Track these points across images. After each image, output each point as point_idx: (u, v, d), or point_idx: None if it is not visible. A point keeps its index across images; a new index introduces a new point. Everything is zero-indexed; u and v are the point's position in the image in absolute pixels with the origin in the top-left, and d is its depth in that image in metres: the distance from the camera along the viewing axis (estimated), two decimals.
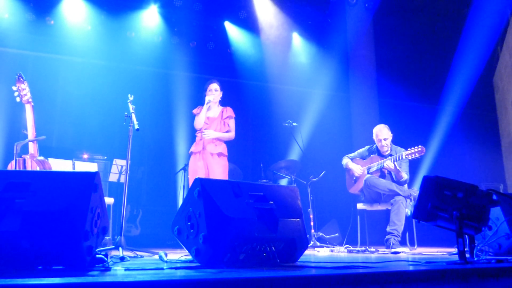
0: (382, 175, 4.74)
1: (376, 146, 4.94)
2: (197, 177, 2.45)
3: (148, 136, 7.49)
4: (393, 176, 4.70)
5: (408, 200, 4.48)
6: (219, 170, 4.46)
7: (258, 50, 8.04)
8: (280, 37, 8.01)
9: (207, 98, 4.57)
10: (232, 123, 4.65)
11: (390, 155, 4.80)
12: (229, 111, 4.66)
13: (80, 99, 7.06)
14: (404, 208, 4.42)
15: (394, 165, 4.58)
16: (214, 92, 4.61)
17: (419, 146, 4.55)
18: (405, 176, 4.67)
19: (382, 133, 4.82)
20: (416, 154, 4.53)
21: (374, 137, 4.91)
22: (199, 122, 4.56)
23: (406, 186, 4.72)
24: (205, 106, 4.54)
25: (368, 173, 4.83)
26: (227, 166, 4.58)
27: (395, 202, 4.44)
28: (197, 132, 4.62)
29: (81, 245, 1.96)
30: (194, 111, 4.70)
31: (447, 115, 8.20)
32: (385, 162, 4.67)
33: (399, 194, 4.46)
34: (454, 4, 7.80)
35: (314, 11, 7.89)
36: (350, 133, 7.54)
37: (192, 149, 4.59)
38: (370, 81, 7.61)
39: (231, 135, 4.62)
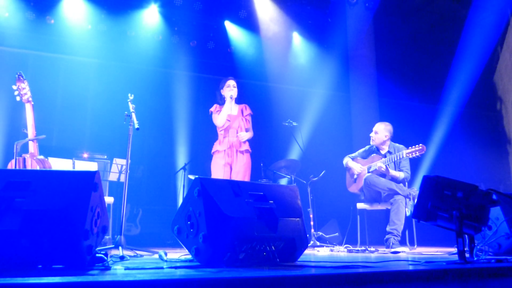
0: (382, 174, 4.74)
1: (377, 146, 4.95)
2: (196, 176, 2.45)
3: (148, 135, 7.49)
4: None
5: (408, 200, 4.48)
6: (242, 169, 4.47)
7: (258, 50, 8.03)
8: (280, 36, 8.00)
9: (228, 94, 4.56)
10: (250, 120, 4.71)
11: (389, 152, 4.81)
12: (248, 109, 4.71)
13: (80, 98, 7.05)
14: (403, 208, 4.43)
15: (386, 167, 4.59)
16: (232, 88, 4.62)
17: (420, 144, 4.56)
18: (401, 175, 4.67)
19: (376, 127, 4.91)
20: (417, 152, 4.54)
21: None
22: (222, 119, 4.52)
23: (406, 185, 4.73)
24: (228, 101, 4.53)
25: (368, 172, 4.83)
26: (250, 163, 4.59)
27: (395, 202, 4.44)
28: (220, 129, 4.55)
29: (81, 244, 1.96)
30: (212, 109, 4.65)
31: (447, 115, 8.19)
32: (376, 165, 4.67)
33: (398, 193, 4.46)
34: (454, 3, 7.79)
35: (314, 11, 7.88)
36: (350, 132, 7.54)
37: (217, 148, 4.52)
38: (370, 81, 7.61)
39: (252, 133, 4.70)
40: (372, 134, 4.90)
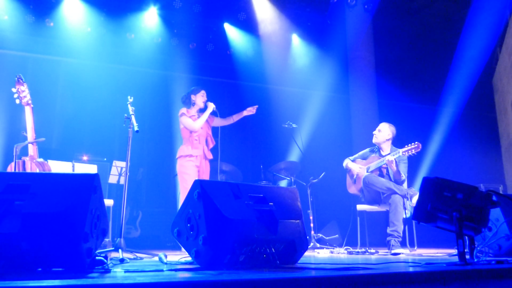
0: (381, 175, 4.75)
1: (378, 147, 4.95)
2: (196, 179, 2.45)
3: (148, 138, 7.49)
4: (391, 177, 4.70)
5: (406, 199, 4.47)
6: (208, 175, 4.66)
7: (258, 52, 8.04)
8: (280, 38, 8.02)
9: (202, 102, 4.67)
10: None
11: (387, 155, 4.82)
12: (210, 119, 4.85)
13: (79, 101, 7.06)
14: (401, 208, 4.42)
15: (396, 162, 4.58)
16: (205, 97, 4.75)
17: (416, 142, 4.57)
18: (403, 176, 4.68)
19: (380, 125, 4.92)
20: (413, 150, 4.55)
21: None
22: (199, 125, 4.60)
23: (405, 185, 4.73)
24: (209, 111, 4.64)
25: (367, 172, 4.83)
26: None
27: (393, 202, 4.44)
28: (196, 135, 4.60)
29: (81, 247, 1.96)
30: (184, 111, 4.66)
31: (446, 116, 8.20)
32: (385, 158, 4.67)
33: (396, 193, 4.45)
34: (454, 5, 7.80)
35: (313, 13, 7.89)
36: (350, 134, 7.55)
37: (189, 152, 4.55)
38: (369, 82, 7.62)
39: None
40: (375, 132, 4.91)
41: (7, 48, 6.78)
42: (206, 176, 4.61)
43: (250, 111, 4.85)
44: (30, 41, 6.90)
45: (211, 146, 4.72)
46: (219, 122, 4.86)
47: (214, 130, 4.83)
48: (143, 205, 7.09)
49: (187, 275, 1.90)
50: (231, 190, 2.45)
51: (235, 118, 4.88)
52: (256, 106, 4.88)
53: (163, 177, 7.44)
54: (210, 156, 4.67)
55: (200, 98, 4.72)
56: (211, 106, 4.63)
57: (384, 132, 4.87)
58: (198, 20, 7.56)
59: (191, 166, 4.51)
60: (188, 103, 4.74)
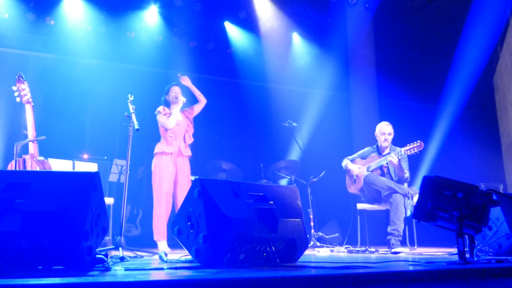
0: (382, 174, 4.75)
1: (377, 146, 4.95)
2: (196, 177, 2.45)
3: (148, 136, 7.48)
4: (393, 175, 4.70)
5: (407, 198, 4.47)
6: (188, 173, 4.53)
7: (258, 50, 8.03)
8: (280, 37, 8.01)
9: (180, 98, 4.54)
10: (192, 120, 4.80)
11: (389, 154, 4.81)
12: (190, 109, 4.76)
13: (80, 99, 7.05)
14: (402, 207, 4.42)
15: (398, 159, 4.57)
16: (177, 93, 4.62)
17: (418, 141, 4.55)
18: (407, 173, 4.68)
19: (387, 128, 4.86)
20: (415, 149, 4.53)
21: (377, 132, 4.92)
22: (172, 122, 4.45)
23: (406, 184, 4.72)
24: (180, 106, 4.51)
25: (368, 171, 4.83)
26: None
27: (394, 201, 4.44)
28: (171, 132, 4.47)
29: (81, 245, 1.96)
30: (160, 110, 4.54)
31: (447, 115, 8.19)
32: (387, 158, 4.66)
33: (397, 192, 4.45)
34: (454, 4, 7.79)
35: (314, 12, 7.88)
36: (350, 133, 7.54)
37: (165, 149, 4.41)
38: (370, 81, 7.61)
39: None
40: (388, 137, 4.85)
41: (8, 46, 6.78)
42: (185, 174, 4.47)
43: (185, 80, 4.77)
44: (30, 39, 6.89)
45: (189, 142, 4.60)
46: (197, 108, 4.76)
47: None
48: (144, 203, 7.08)
49: (187, 273, 1.90)
50: (231, 188, 2.46)
51: (197, 94, 4.78)
52: (179, 74, 4.81)
53: None
54: (188, 153, 4.54)
55: (171, 95, 4.61)
56: (181, 101, 4.49)
57: (392, 134, 4.87)
58: (199, 18, 7.55)
59: (166, 164, 4.37)
60: (166, 103, 4.64)
